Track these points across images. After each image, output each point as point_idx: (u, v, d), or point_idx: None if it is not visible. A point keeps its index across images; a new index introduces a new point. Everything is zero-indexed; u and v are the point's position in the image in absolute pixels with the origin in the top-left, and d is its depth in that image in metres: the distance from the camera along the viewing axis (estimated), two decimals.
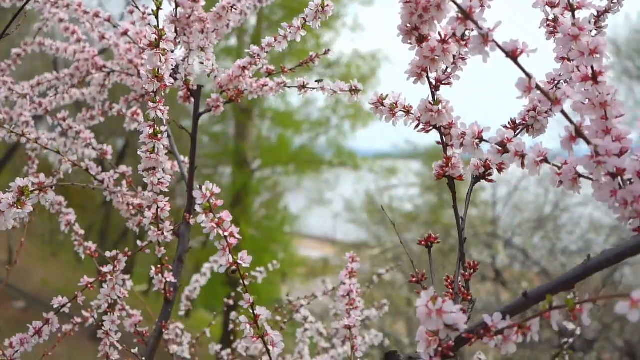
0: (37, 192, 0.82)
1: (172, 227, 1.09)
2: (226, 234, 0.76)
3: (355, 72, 9.80)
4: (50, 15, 1.34)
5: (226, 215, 0.77)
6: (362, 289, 2.21)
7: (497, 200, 7.62)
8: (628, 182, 0.64)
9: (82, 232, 1.26)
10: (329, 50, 1.20)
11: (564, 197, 7.04)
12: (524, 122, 0.83)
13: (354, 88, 1.09)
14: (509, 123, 0.84)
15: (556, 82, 0.84)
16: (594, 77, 0.65)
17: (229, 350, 1.63)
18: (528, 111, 0.83)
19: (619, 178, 0.63)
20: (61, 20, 1.35)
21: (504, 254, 6.68)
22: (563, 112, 0.62)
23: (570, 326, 1.24)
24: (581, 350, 5.07)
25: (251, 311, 0.79)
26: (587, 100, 0.67)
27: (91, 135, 1.31)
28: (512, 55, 0.61)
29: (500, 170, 0.82)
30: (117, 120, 1.39)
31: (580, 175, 0.66)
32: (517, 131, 0.83)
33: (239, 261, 0.78)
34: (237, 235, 0.77)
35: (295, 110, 10.23)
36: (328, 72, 9.39)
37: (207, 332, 1.66)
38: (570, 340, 1.22)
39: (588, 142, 0.62)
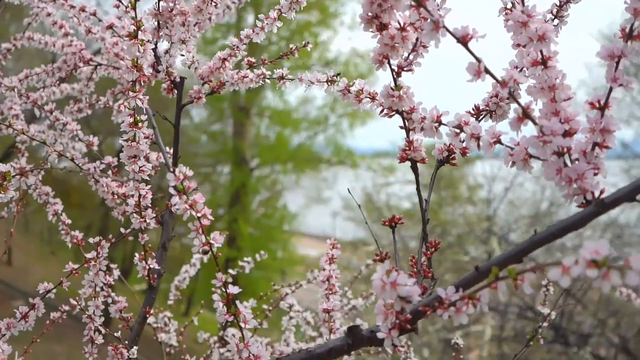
0: (18, 176, 0.85)
1: (154, 215, 1.12)
2: (199, 214, 0.79)
3: (354, 70, 9.84)
4: (39, 10, 1.38)
5: (199, 197, 0.80)
6: (352, 281, 2.25)
7: (494, 197, 7.65)
8: (576, 161, 0.67)
9: (69, 221, 1.29)
10: (308, 42, 1.23)
11: (560, 194, 7.06)
12: (487, 107, 0.86)
13: (330, 79, 1.12)
14: (472, 109, 0.87)
15: (519, 69, 0.87)
16: (544, 62, 0.69)
17: (215, 338, 1.67)
18: (491, 97, 0.86)
19: (566, 157, 0.66)
20: (49, 15, 1.38)
21: (500, 251, 6.71)
22: (511, 94, 0.66)
23: (545, 311, 1.28)
24: (576, 346, 5.10)
25: (224, 289, 0.82)
26: (539, 84, 0.70)
27: (78, 127, 1.34)
28: (463, 40, 0.64)
29: (463, 154, 0.85)
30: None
31: (531, 156, 0.69)
32: (480, 117, 0.86)
33: (211, 241, 0.81)
34: (210, 217, 0.80)
35: (294, 109, 10.28)
36: (326, 71, 9.42)
37: (194, 321, 1.70)
38: (545, 324, 1.25)
39: (535, 123, 0.65)
